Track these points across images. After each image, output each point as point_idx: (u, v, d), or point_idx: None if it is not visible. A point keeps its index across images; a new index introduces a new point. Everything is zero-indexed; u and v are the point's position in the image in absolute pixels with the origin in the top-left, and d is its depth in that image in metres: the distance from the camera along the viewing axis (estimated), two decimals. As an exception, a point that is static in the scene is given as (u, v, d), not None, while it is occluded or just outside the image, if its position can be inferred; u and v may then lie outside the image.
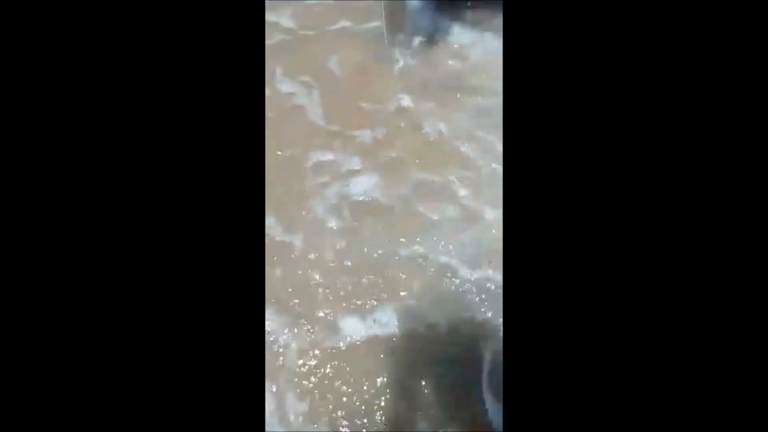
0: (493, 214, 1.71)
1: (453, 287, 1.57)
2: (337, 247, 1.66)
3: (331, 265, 1.63)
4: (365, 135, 1.92)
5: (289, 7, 2.39)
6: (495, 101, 1.99)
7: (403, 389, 1.40)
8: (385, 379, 1.41)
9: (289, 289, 1.58)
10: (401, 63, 2.16)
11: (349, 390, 1.40)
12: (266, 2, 2.05)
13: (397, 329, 1.50)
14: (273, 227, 1.71)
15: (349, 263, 1.63)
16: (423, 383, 1.40)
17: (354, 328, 1.50)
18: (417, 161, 1.85)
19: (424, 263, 1.62)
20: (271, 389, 1.41)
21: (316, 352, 1.46)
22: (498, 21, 2.20)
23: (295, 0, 2.41)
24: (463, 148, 1.88)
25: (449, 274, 1.59)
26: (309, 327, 1.51)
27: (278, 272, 1.62)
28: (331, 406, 1.38)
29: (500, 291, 1.54)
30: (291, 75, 2.10)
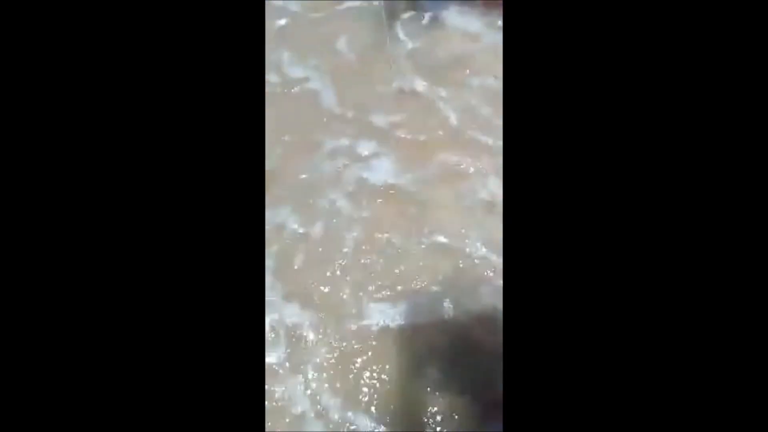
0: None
1: (475, 275, 1.54)
2: (356, 236, 1.63)
3: (351, 255, 1.59)
4: (380, 119, 1.87)
5: (294, -10, 2.33)
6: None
7: (426, 378, 1.38)
8: (408, 368, 1.39)
9: (311, 283, 1.55)
10: (410, 45, 2.10)
11: (381, 378, 1.37)
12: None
13: (419, 318, 1.47)
14: (290, 217, 1.67)
15: (368, 255, 1.59)
16: (444, 373, 1.38)
17: (376, 319, 1.47)
18: (434, 146, 1.81)
19: (445, 251, 1.58)
20: (302, 383, 1.38)
21: (344, 344, 1.43)
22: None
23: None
24: (479, 133, 1.83)
25: (471, 262, 1.56)
26: (332, 320, 1.48)
27: (297, 264, 1.59)
28: (364, 399, 1.35)
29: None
30: (300, 59, 2.05)
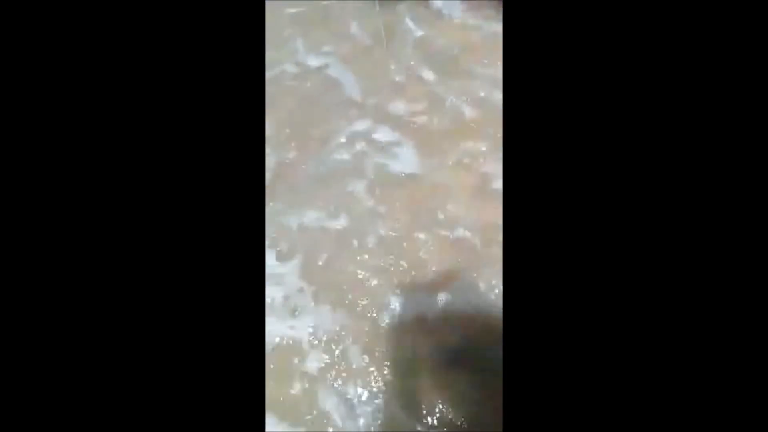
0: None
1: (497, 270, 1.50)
2: (381, 232, 1.59)
3: (374, 250, 1.56)
4: (400, 108, 1.82)
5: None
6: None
7: (450, 374, 1.35)
8: (445, 363, 1.36)
9: (334, 280, 1.52)
10: (418, 33, 2.03)
11: (424, 377, 1.35)
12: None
13: (443, 312, 1.44)
14: (312, 211, 1.64)
15: (391, 252, 1.55)
16: (482, 369, 1.35)
17: (402, 316, 1.44)
18: (454, 135, 1.76)
19: (468, 247, 1.54)
20: (338, 391, 1.36)
21: (377, 349, 1.41)
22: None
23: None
24: (495, 123, 1.78)
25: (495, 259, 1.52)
26: (364, 321, 1.45)
27: (321, 261, 1.55)
28: (393, 400, 1.33)
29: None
30: (314, 47, 1.99)
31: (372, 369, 1.38)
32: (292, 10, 2.10)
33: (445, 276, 1.51)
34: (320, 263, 1.55)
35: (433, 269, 1.51)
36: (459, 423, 1.29)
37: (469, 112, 1.78)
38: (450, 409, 1.31)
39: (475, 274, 1.50)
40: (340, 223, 1.62)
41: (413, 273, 1.51)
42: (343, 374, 1.37)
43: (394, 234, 1.58)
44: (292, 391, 1.35)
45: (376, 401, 1.34)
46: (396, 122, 1.79)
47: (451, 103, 1.81)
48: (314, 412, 1.33)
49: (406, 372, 1.37)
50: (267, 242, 1.58)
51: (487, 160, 1.69)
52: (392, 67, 1.94)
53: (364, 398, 1.34)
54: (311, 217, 1.63)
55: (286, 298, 1.48)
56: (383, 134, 1.78)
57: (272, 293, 1.49)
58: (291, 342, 1.42)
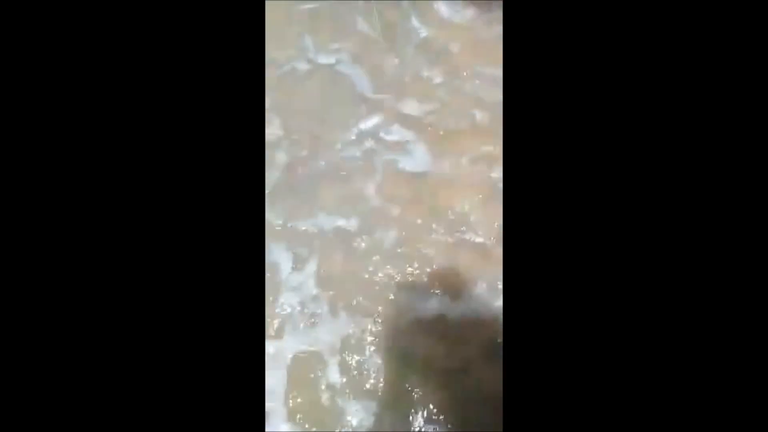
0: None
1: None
2: (392, 234, 1.60)
3: (388, 253, 1.57)
4: (413, 106, 1.81)
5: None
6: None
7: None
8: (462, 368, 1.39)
9: (350, 284, 1.54)
10: (423, 33, 2.00)
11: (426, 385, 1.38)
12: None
13: (461, 314, 1.47)
14: (323, 213, 1.65)
15: (404, 254, 1.57)
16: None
17: (418, 318, 1.47)
18: (465, 136, 1.75)
19: (481, 255, 1.55)
20: (356, 394, 1.39)
21: (393, 350, 1.43)
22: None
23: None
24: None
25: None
26: (381, 328, 1.48)
27: (339, 263, 1.57)
28: (408, 401, 1.37)
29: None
30: (323, 44, 1.97)
31: (388, 371, 1.41)
32: (302, 7, 2.07)
33: (459, 277, 1.53)
34: (334, 267, 1.57)
35: (447, 271, 1.53)
36: (467, 425, 1.33)
37: (479, 112, 1.77)
38: (459, 410, 1.35)
39: (490, 275, 1.52)
40: (352, 224, 1.63)
41: (426, 275, 1.53)
42: (362, 378, 1.41)
43: (405, 234, 1.60)
44: (312, 398, 1.39)
45: (392, 402, 1.38)
46: (412, 123, 1.78)
47: (462, 103, 1.79)
48: (334, 418, 1.37)
49: (422, 374, 1.40)
50: (283, 245, 1.60)
51: (498, 161, 1.69)
52: (400, 64, 1.92)
53: (382, 401, 1.38)
54: (323, 218, 1.65)
55: (302, 304, 1.52)
56: (400, 135, 1.78)
57: (288, 299, 1.52)
58: (310, 350, 1.46)
